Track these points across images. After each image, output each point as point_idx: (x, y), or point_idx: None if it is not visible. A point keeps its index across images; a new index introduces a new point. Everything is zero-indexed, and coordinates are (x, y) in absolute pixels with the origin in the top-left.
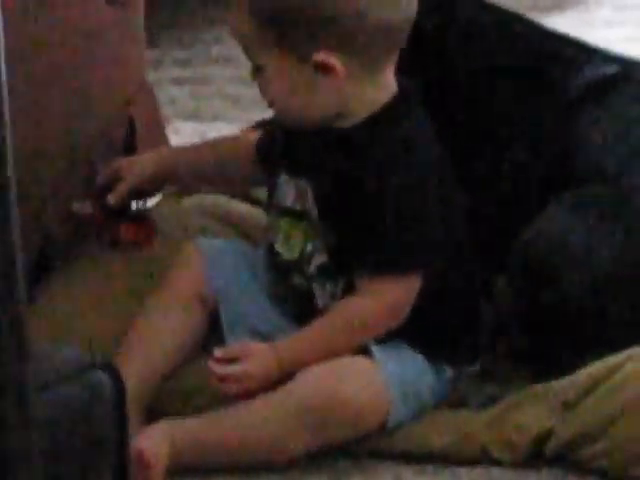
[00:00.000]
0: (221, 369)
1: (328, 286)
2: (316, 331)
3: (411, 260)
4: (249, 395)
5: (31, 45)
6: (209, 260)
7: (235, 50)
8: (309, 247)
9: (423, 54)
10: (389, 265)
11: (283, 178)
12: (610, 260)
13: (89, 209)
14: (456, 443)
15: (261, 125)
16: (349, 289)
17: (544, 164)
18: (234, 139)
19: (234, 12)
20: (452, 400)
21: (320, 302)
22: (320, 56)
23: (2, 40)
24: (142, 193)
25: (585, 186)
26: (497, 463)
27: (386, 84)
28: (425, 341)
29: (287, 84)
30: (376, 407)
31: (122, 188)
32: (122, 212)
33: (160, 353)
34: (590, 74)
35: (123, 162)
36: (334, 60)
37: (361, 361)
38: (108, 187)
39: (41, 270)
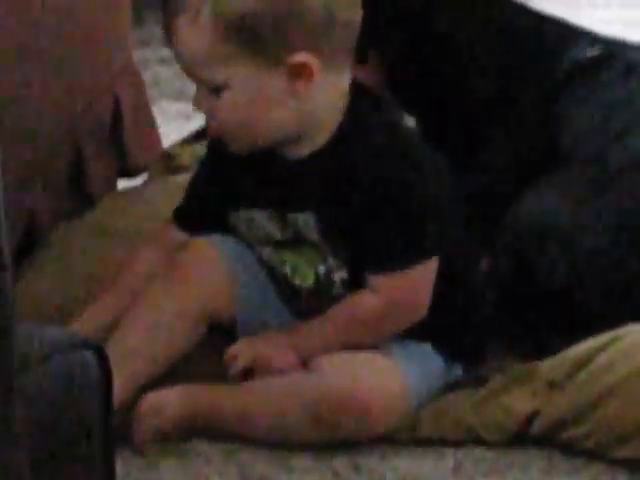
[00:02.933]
0: (234, 367)
1: None
2: (326, 323)
3: (418, 255)
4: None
5: (15, 24)
6: (227, 257)
7: None
8: (322, 269)
9: (409, 35)
10: (395, 262)
11: (255, 216)
12: (595, 241)
13: None
14: (443, 425)
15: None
16: None
17: (530, 146)
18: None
19: (186, 29)
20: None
21: None
22: (297, 57)
23: None
24: None
25: (571, 168)
26: (483, 444)
27: (345, 89)
28: (444, 339)
29: (256, 95)
30: (391, 408)
31: None
32: None
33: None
34: (576, 55)
35: None
36: (311, 59)
37: (379, 359)
38: None
39: (25, 251)
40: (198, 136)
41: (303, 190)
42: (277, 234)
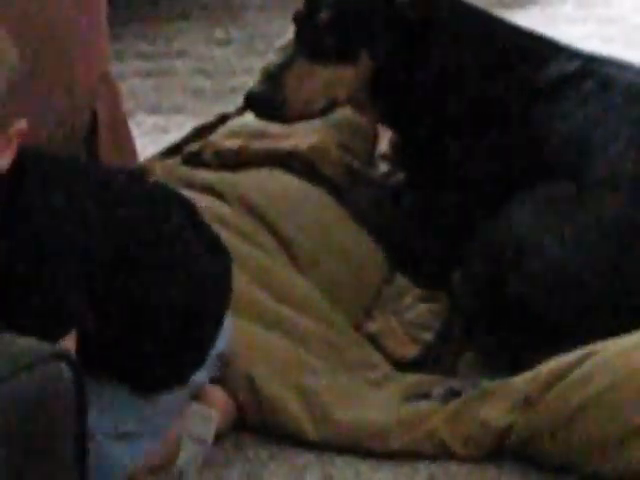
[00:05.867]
0: None
1: None
2: None
3: None
4: None
5: None
6: None
7: (197, 43)
8: None
9: (406, 46)
10: None
11: None
12: (563, 258)
13: None
14: (417, 439)
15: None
16: None
17: (505, 161)
18: None
19: None
20: (415, 392)
21: None
22: None
23: None
24: None
25: (545, 184)
26: (456, 458)
27: None
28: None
29: None
30: None
31: None
32: None
33: None
34: (554, 71)
35: None
36: None
37: None
38: None
39: None
40: (174, 150)
41: None
42: None
